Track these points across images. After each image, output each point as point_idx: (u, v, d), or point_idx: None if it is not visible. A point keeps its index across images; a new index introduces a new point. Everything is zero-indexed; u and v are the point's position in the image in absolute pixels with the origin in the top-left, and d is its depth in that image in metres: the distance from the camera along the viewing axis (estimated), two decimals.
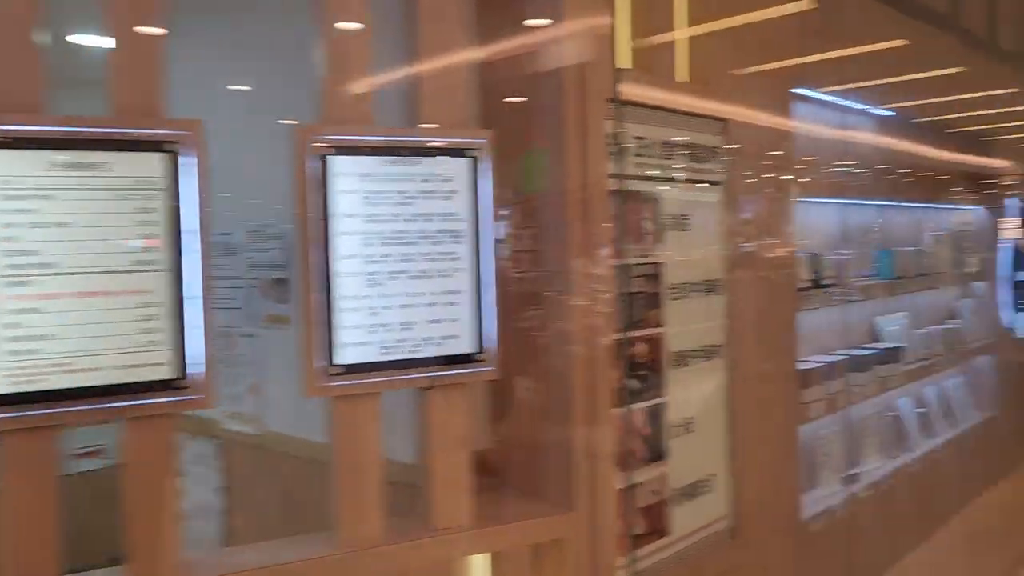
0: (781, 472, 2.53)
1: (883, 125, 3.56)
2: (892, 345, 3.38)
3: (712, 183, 2.23)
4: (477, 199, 1.64)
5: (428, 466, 1.65)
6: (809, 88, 2.80)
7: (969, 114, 4.31)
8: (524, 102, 1.85)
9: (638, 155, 1.98)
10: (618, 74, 1.87)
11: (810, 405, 2.72)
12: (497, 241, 1.67)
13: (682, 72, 2.20)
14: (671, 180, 2.09)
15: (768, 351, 2.48)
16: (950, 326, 4.01)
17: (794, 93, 2.70)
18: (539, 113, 1.82)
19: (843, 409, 2.96)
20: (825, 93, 2.90)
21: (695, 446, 2.14)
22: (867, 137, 3.45)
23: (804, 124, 2.78)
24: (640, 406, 1.95)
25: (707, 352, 2.20)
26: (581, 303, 1.77)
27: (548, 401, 1.82)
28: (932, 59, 3.71)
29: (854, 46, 3.19)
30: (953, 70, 3.82)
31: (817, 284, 2.80)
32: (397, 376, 1.57)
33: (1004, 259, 4.48)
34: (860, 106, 3.35)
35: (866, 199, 3.45)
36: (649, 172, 2.02)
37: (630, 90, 1.95)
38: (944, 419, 3.94)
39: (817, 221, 2.88)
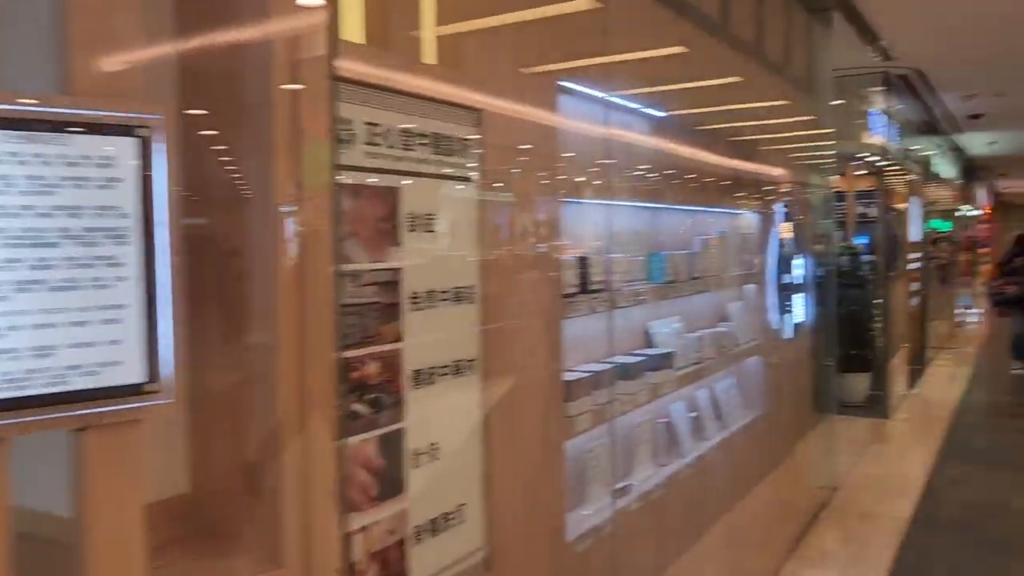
0: (544, 493, 2.36)
1: (660, 128, 3.51)
2: (664, 350, 3.33)
3: (463, 179, 2.01)
4: (150, 191, 1.31)
5: (84, 524, 1.30)
6: (582, 85, 2.66)
7: (744, 124, 4.42)
8: (224, 76, 1.53)
9: (371, 144, 1.72)
10: (341, 48, 1.59)
11: (576, 418, 2.57)
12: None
13: (430, 54, 1.96)
14: (414, 174, 1.84)
15: (529, 363, 2.30)
16: (722, 329, 4.06)
17: (563, 88, 2.54)
18: (240, 90, 1.51)
19: (613, 419, 2.85)
20: (599, 92, 2.77)
21: (442, 475, 1.91)
22: (642, 139, 3.39)
23: (573, 121, 2.63)
24: (370, 435, 1.69)
25: (457, 368, 1.97)
26: (291, 317, 1.48)
27: (251, 436, 1.51)
28: (711, 67, 3.72)
29: (637, 49, 3.12)
30: (729, 79, 3.86)
31: (585, 289, 2.66)
32: (30, 417, 1.21)
33: (772, 262, 4.63)
34: (637, 108, 3.27)
35: (640, 201, 3.38)
36: (385, 164, 1.76)
37: (360, 69, 1.68)
38: (715, 421, 3.98)
39: (586, 223, 2.74)
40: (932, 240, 14.32)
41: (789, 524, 4.86)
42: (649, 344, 3.47)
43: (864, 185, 9.93)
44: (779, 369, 4.74)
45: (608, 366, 2.89)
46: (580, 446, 2.70)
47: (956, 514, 5.21)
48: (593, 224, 2.76)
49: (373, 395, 1.69)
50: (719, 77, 3.78)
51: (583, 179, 2.72)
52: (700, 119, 3.84)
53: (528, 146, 2.29)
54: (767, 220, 4.62)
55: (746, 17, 4.24)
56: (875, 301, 8.41)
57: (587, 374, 2.68)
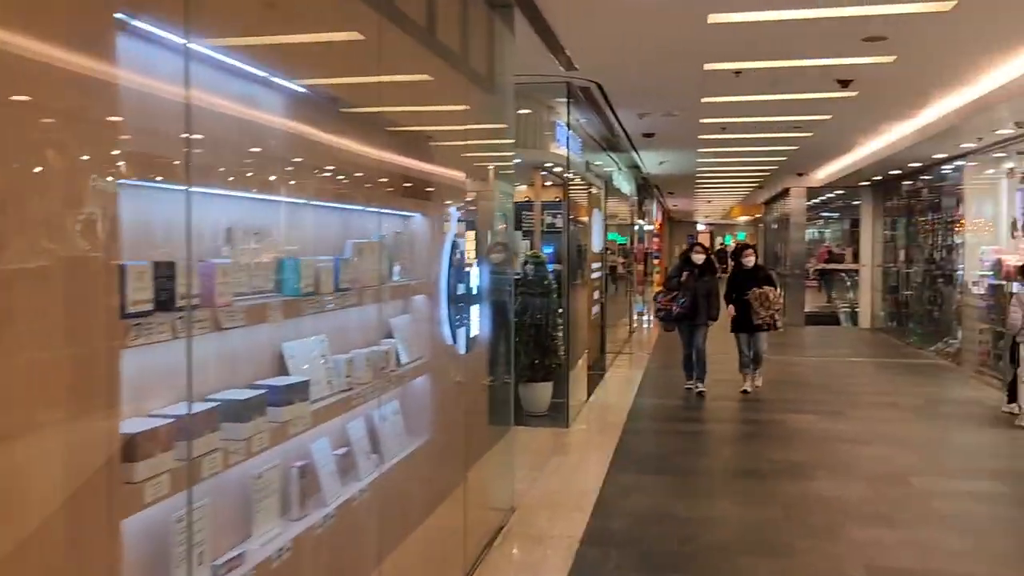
0: None
1: (302, 107, 2.90)
2: (297, 379, 2.71)
3: None
4: None
5: None
6: (161, 27, 1.97)
7: (413, 114, 3.94)
8: None
9: None
10: None
11: (147, 483, 1.88)
12: None
13: None
14: None
15: (55, 415, 1.57)
16: (383, 347, 3.53)
17: (131, 29, 1.84)
18: None
19: (215, 474, 2.18)
20: (193, 42, 2.10)
21: None
22: (273, 118, 2.76)
23: (148, 78, 1.93)
24: None
25: None
26: None
27: None
28: (372, 48, 3.18)
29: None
30: (393, 60, 3.35)
31: (169, 306, 1.97)
32: None
33: (445, 271, 4.20)
34: (266, 77, 2.63)
35: (269, 194, 2.75)
36: None
37: None
38: (372, 456, 3.44)
39: (176, 218, 2.05)
40: (613, 251, 15.25)
41: (461, 556, 4.47)
42: (283, 371, 2.84)
43: (551, 195, 10.10)
44: (451, 388, 4.33)
45: (211, 405, 2.22)
46: (156, 519, 2.00)
47: (626, 527, 5.16)
48: (194, 219, 2.07)
49: None
50: (384, 58, 3.25)
51: (167, 158, 2.03)
52: (356, 102, 3.29)
53: (59, 103, 1.57)
54: (439, 225, 4.18)
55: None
56: (559, 310, 8.44)
57: (168, 420, 1.99)
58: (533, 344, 8.32)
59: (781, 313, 9.67)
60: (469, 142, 4.72)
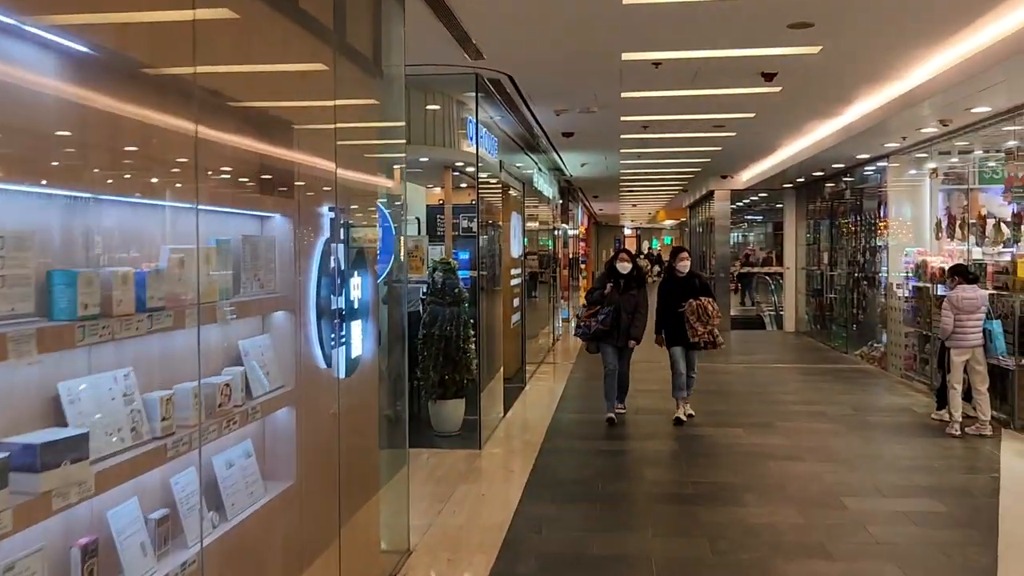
0: None
1: (93, 73, 2.22)
2: (67, 433, 2.02)
3: None
4: None
5: None
6: None
7: (270, 91, 3.28)
8: None
9: None
10: None
11: None
12: None
13: None
14: None
15: None
16: (224, 378, 2.85)
17: None
18: None
19: None
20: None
21: None
22: (47, 85, 2.07)
23: None
24: None
25: None
26: None
27: None
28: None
29: None
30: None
31: None
32: None
33: (315, 283, 3.54)
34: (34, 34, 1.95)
35: (30, 183, 2.06)
36: None
37: None
38: (209, 514, 2.76)
39: None
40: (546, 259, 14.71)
41: None
42: (61, 419, 2.15)
43: (467, 198, 9.49)
44: (325, 419, 3.66)
45: None
46: None
47: (534, 571, 4.56)
48: None
49: None
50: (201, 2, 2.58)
51: None
52: (163, 62, 2.60)
53: None
54: (307, 228, 3.52)
55: None
56: (471, 321, 7.82)
57: None
58: (443, 358, 7.68)
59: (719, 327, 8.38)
60: (349, 131, 4.07)
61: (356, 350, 4.02)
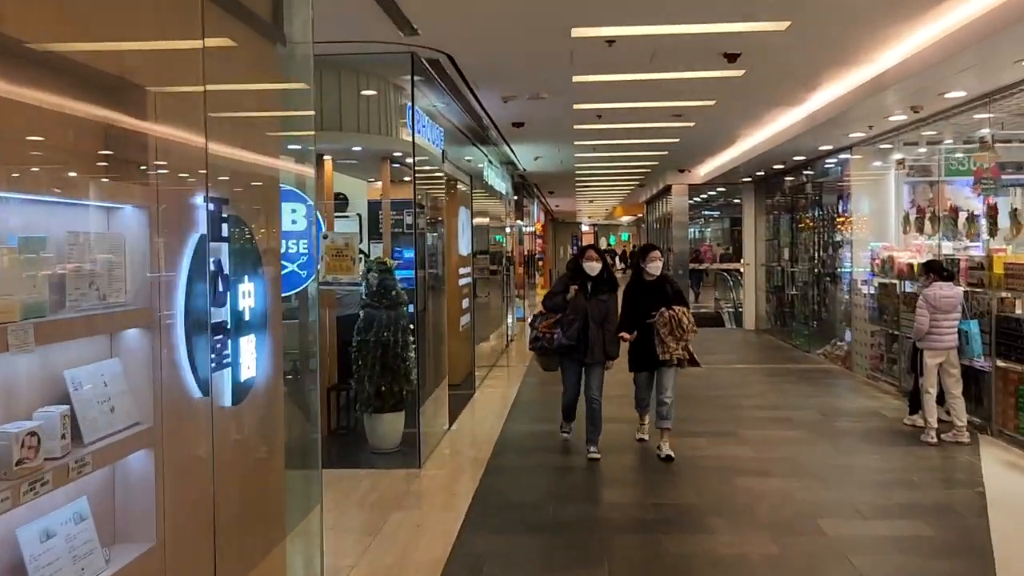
0: None
1: None
2: None
3: None
4: None
5: None
6: None
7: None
8: None
9: None
10: None
11: None
12: None
13: None
14: None
15: None
16: (26, 424, 2.13)
17: None
18: None
19: None
20: None
21: None
22: None
23: None
24: None
25: None
26: None
27: None
28: None
29: None
30: None
31: None
32: None
33: (183, 291, 2.82)
34: None
35: None
36: None
37: None
38: None
39: None
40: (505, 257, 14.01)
41: None
42: None
43: (408, 192, 8.75)
44: (197, 460, 2.95)
45: None
46: None
47: None
48: None
49: None
50: None
51: None
52: None
53: None
54: (174, 222, 2.80)
55: None
56: (411, 326, 7.12)
57: None
58: (380, 367, 6.97)
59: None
60: (229, 99, 3.35)
61: (247, 372, 3.31)
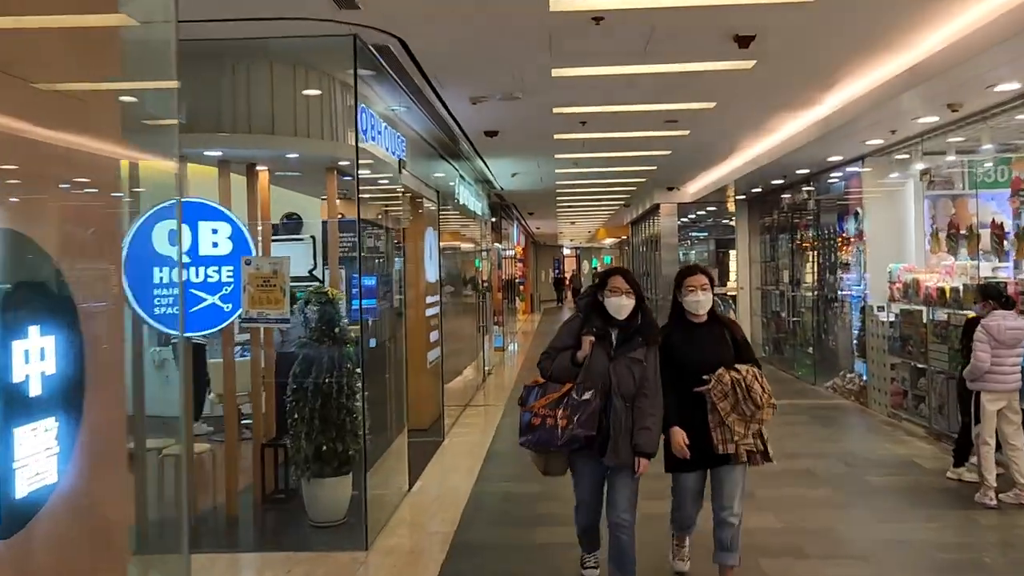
0: None
1: None
2: None
3: None
4: None
5: None
6: None
7: None
8: None
9: None
10: None
11: None
12: None
13: None
14: None
15: None
16: None
17: None
18: None
19: None
20: None
21: None
22: None
23: None
24: None
25: None
26: None
27: None
28: None
29: None
30: None
31: None
32: None
33: None
34: None
35: None
36: None
37: None
38: None
39: None
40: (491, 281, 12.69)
41: None
42: None
43: (365, 210, 7.51)
44: None
45: None
46: None
47: None
48: None
49: None
50: None
51: None
52: None
53: None
54: None
55: None
56: (358, 369, 5.84)
57: None
58: (319, 421, 5.68)
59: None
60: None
61: (30, 482, 2.04)
